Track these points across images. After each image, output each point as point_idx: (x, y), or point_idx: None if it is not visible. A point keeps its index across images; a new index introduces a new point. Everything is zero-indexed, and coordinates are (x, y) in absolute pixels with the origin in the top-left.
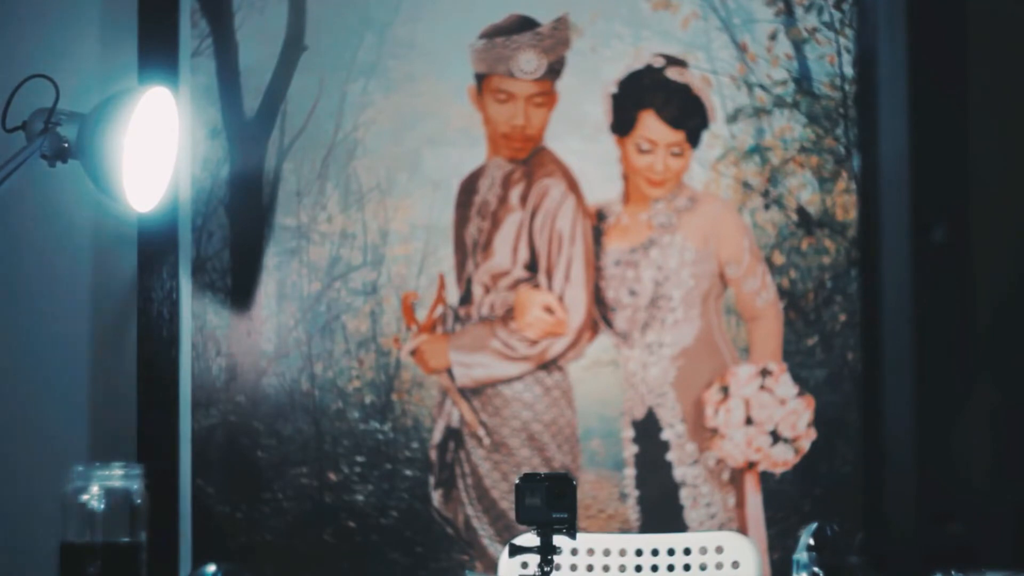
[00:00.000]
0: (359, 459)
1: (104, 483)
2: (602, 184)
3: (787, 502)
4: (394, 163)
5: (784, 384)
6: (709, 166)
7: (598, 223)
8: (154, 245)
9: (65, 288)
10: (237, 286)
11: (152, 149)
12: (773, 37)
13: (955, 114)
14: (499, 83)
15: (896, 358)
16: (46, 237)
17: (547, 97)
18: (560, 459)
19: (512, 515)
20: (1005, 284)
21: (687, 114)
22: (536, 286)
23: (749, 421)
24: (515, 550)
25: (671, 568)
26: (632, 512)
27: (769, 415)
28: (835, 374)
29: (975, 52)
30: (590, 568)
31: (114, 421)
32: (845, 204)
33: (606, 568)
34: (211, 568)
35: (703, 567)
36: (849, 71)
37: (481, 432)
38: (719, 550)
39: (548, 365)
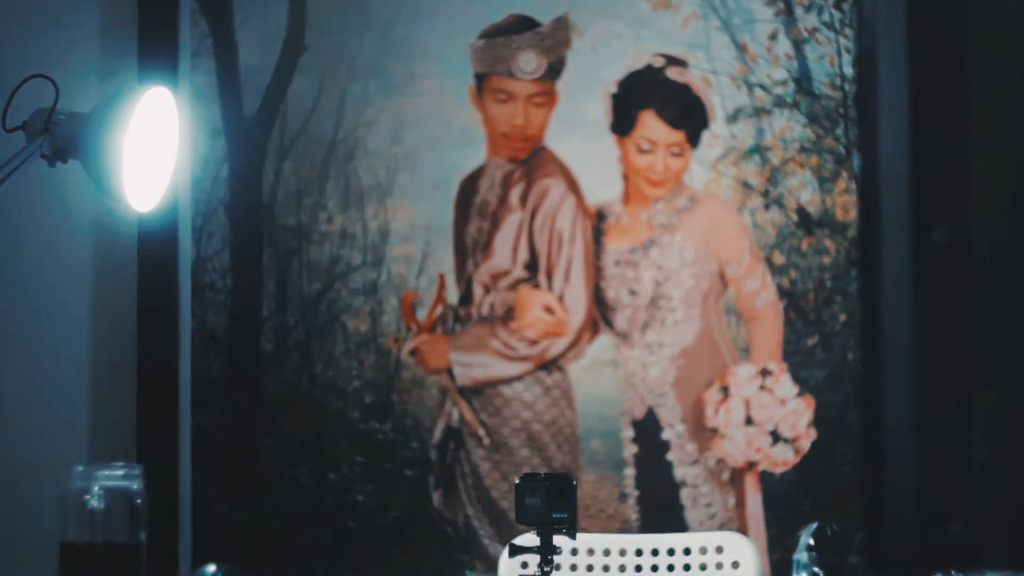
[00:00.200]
0: (359, 459)
1: (104, 483)
2: (602, 184)
3: (787, 502)
4: (394, 163)
5: (784, 384)
6: (709, 166)
7: (598, 223)
8: (154, 245)
9: (65, 288)
10: (237, 286)
11: (152, 149)
12: (773, 37)
13: (955, 114)
14: (499, 83)
15: (896, 358)
16: (46, 237)
17: (547, 97)
18: (560, 459)
19: (512, 515)
20: (1005, 284)
21: (687, 114)
22: (536, 286)
23: (749, 421)
24: (515, 550)
25: (671, 568)
26: (632, 512)
27: (769, 415)
28: (835, 374)
29: (975, 52)
30: (590, 568)
31: (114, 421)
32: (845, 204)
33: (606, 568)
34: (211, 568)
35: (703, 567)
36: (849, 71)
37: (481, 432)
38: (719, 550)
39: (548, 365)
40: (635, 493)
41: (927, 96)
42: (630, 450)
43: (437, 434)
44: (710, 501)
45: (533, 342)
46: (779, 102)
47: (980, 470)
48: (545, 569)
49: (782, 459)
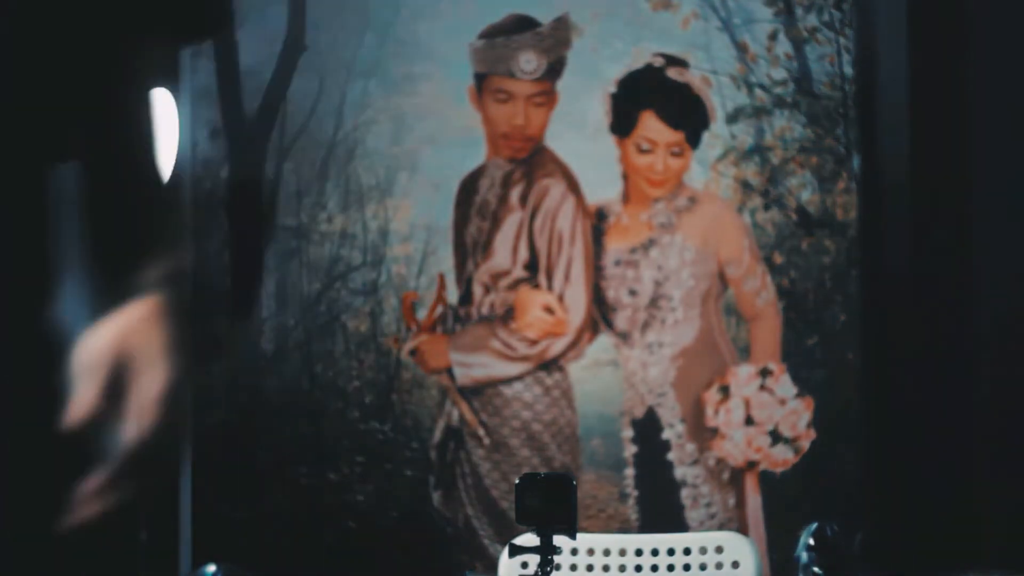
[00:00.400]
0: (359, 459)
1: None
2: (602, 184)
3: (787, 502)
4: (394, 163)
5: (784, 384)
6: (709, 166)
7: (598, 223)
8: None
9: None
10: (237, 286)
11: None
12: (773, 37)
13: (955, 114)
14: (499, 83)
15: (896, 358)
16: None
17: (547, 97)
18: (560, 459)
19: (512, 515)
20: (1005, 284)
21: (687, 114)
22: (536, 286)
23: (749, 421)
24: (515, 550)
25: (671, 568)
26: (632, 512)
27: (769, 415)
28: (835, 374)
29: (975, 52)
30: (590, 568)
31: None
32: (845, 204)
33: (606, 568)
34: (211, 568)
35: (703, 567)
36: (849, 71)
37: (481, 432)
38: (719, 550)
39: (548, 365)
40: (635, 493)
41: (927, 96)
42: (630, 450)
43: (437, 434)
44: (710, 501)
45: (533, 342)
46: (779, 102)
47: (979, 470)
48: (545, 569)
49: (782, 459)
